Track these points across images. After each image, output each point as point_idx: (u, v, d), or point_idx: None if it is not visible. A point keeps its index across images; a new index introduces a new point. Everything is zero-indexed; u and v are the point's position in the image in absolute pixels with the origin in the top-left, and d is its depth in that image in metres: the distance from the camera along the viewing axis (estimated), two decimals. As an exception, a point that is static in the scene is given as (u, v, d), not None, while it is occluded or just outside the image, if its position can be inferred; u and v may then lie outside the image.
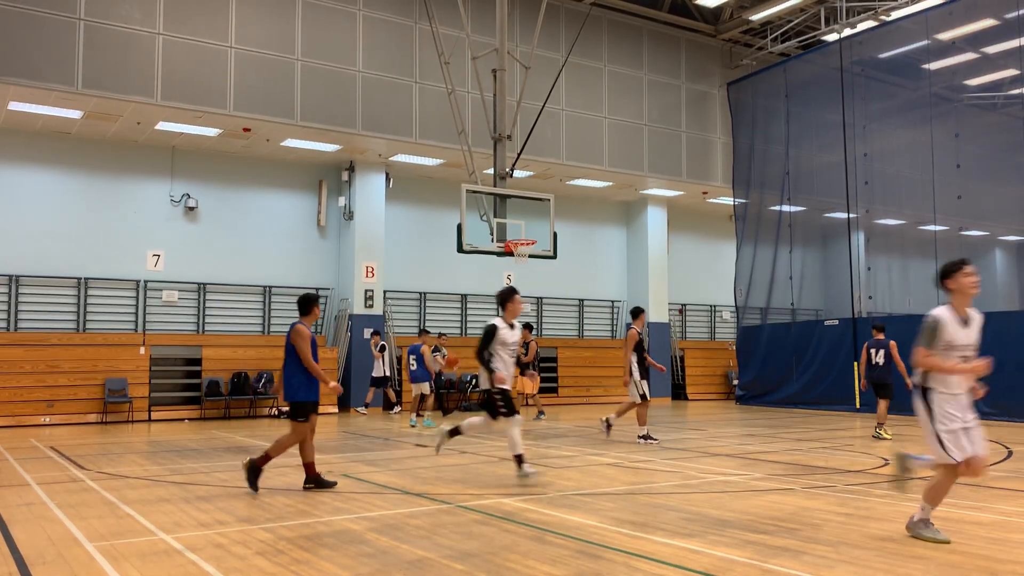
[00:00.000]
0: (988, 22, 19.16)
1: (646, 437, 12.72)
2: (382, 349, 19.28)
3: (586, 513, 7.01)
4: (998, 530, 6.31)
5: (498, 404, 8.73)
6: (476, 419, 9.07)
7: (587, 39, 21.49)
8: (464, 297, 23.10)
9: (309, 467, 8.35)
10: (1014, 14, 18.10)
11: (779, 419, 18.21)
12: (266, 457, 8.23)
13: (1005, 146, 19.79)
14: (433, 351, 17.34)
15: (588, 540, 5.99)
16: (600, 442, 13.11)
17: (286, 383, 8.29)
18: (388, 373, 19.60)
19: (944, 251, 19.13)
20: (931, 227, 19.85)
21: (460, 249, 14.92)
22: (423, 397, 16.18)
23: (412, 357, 16.19)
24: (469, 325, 23.15)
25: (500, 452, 11.61)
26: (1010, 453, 11.55)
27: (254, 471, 8.17)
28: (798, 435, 14.37)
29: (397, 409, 19.96)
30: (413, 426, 15.74)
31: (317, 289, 20.83)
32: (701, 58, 24.41)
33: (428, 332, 17.77)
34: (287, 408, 8.40)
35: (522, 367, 18.06)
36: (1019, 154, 19.00)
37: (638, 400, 12.79)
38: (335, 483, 8.46)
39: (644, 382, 12.81)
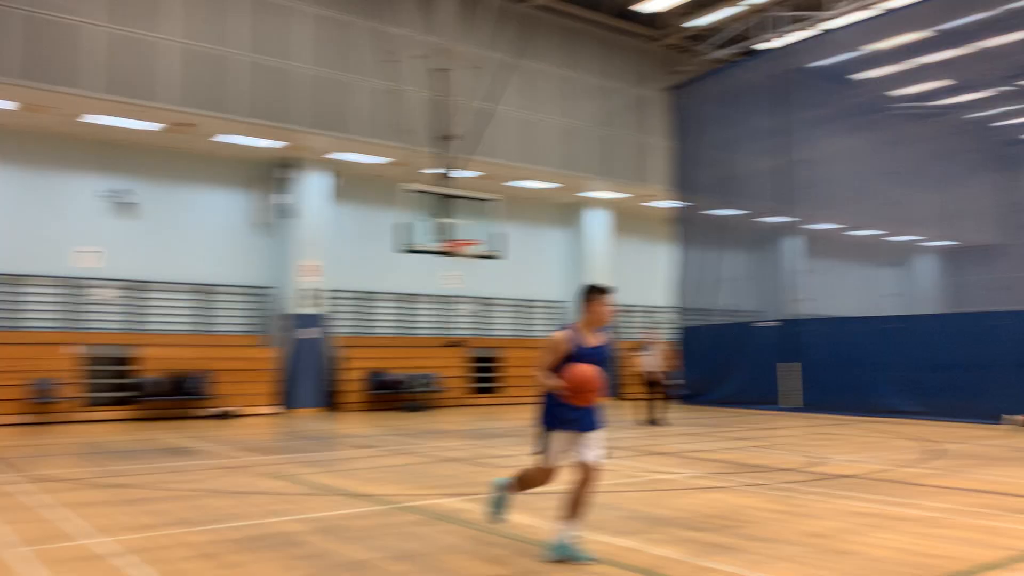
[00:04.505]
0: (920, 34, 19.75)
1: None
2: None
3: (526, 513, 7.05)
4: (924, 526, 6.52)
5: None
6: None
7: (531, 42, 21.56)
8: (410, 296, 22.99)
9: None
10: (946, 26, 18.68)
11: (717, 418, 18.51)
12: None
13: (934, 154, 20.38)
14: None
15: (529, 540, 6.03)
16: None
17: None
18: None
19: (878, 255, 19.68)
20: (866, 231, 20.37)
21: (398, 249, 14.96)
22: None
23: None
24: (415, 324, 23.05)
25: (444, 452, 11.62)
26: (937, 452, 11.92)
27: None
28: (735, 434, 14.63)
29: None
30: None
31: (261, 288, 20.57)
32: (643, 63, 24.68)
33: None
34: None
35: None
36: (947, 162, 19.60)
37: None
38: None
39: None
